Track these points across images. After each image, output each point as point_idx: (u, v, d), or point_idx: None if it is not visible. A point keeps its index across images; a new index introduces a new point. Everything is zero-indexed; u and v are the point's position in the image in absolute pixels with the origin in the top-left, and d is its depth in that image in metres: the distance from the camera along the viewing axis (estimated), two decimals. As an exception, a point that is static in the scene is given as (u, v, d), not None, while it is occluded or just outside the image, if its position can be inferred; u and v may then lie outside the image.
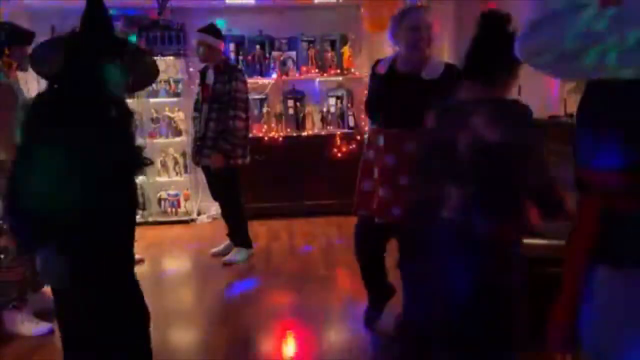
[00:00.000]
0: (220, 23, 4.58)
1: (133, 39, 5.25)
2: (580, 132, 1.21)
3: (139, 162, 1.79)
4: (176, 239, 4.99)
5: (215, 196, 4.30)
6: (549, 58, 1.10)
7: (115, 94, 1.74)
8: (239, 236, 4.22)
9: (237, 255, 4.14)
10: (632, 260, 1.09)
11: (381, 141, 2.51)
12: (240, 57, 5.55)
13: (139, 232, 5.51)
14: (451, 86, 2.20)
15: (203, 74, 4.10)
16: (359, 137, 5.33)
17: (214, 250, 4.36)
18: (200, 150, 4.04)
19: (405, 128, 2.39)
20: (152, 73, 2.10)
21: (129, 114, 1.78)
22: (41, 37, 2.46)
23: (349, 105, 5.62)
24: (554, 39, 1.07)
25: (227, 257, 4.13)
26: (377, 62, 2.68)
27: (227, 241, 4.33)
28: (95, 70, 1.68)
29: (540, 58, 1.12)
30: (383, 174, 2.50)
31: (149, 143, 5.49)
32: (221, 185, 4.11)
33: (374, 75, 2.65)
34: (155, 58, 5.28)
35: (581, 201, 1.21)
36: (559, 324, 1.25)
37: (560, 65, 1.11)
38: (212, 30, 4.00)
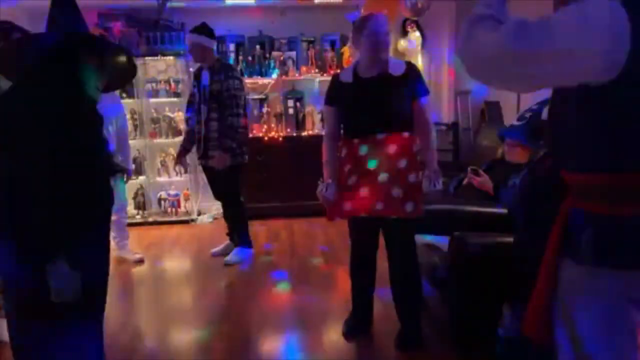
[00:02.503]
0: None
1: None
2: (552, 134, 1.26)
3: (109, 169, 1.74)
4: (176, 239, 4.99)
5: (218, 196, 4.27)
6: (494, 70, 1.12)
7: (88, 94, 1.67)
8: (239, 236, 4.22)
9: (238, 255, 4.15)
10: (589, 258, 1.16)
11: (363, 150, 2.58)
12: (240, 57, 5.55)
13: (139, 232, 5.53)
14: (416, 79, 2.59)
15: (197, 74, 4.06)
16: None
17: (214, 250, 4.36)
18: (205, 152, 4.00)
19: (389, 129, 2.55)
20: (128, 71, 1.94)
21: (98, 118, 1.71)
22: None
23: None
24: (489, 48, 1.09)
25: (228, 258, 4.13)
26: (336, 75, 2.75)
27: (227, 241, 4.34)
28: (65, 69, 1.61)
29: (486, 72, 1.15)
30: (365, 176, 2.57)
31: (149, 143, 5.51)
32: (225, 185, 4.08)
33: (340, 85, 2.66)
34: (155, 58, 5.33)
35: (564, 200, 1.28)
36: (534, 312, 1.32)
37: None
38: (205, 30, 3.93)
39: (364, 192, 2.55)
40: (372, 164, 2.55)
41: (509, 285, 2.10)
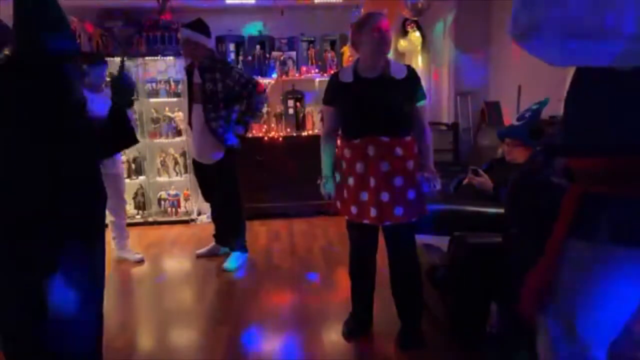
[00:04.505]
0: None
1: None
2: (567, 121, 1.27)
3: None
4: (176, 239, 4.99)
5: (214, 195, 4.16)
6: (547, 35, 1.08)
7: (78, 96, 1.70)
8: (237, 240, 4.12)
9: (236, 260, 4.07)
10: (602, 236, 1.19)
11: (372, 151, 2.55)
12: (240, 57, 5.55)
13: (139, 232, 5.51)
14: (416, 84, 2.57)
15: (189, 71, 3.94)
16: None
17: (199, 251, 4.34)
18: (202, 148, 3.92)
19: (391, 133, 2.53)
20: None
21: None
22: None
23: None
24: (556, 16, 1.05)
25: (226, 265, 4.03)
26: (335, 74, 2.69)
27: (212, 243, 4.31)
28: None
29: (536, 34, 1.10)
30: (383, 180, 2.55)
31: (149, 143, 5.51)
32: (224, 179, 3.97)
33: (340, 85, 2.60)
34: (155, 58, 5.33)
35: (568, 189, 1.31)
36: (534, 290, 1.36)
37: (555, 45, 1.08)
38: (198, 26, 3.80)
39: (384, 197, 2.54)
40: (385, 167, 2.54)
41: (496, 283, 2.12)
